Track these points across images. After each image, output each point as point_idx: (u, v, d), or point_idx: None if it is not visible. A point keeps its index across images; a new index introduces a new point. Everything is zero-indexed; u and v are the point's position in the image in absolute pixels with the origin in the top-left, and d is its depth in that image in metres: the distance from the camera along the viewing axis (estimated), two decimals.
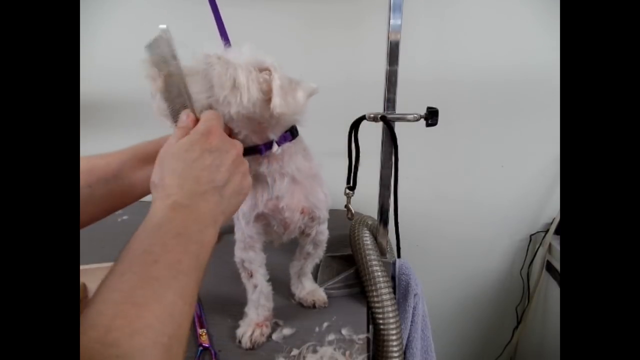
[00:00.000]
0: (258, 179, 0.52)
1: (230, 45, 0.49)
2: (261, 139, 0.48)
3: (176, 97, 0.41)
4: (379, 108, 0.62)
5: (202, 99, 0.43)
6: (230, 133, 0.49)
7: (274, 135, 0.48)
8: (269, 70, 0.44)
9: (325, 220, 0.60)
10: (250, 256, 0.57)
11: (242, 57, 0.44)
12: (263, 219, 0.55)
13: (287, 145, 0.50)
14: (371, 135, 0.66)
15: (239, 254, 0.58)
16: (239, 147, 0.41)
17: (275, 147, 0.48)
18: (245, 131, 0.46)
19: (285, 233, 0.57)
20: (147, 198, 0.55)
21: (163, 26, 0.39)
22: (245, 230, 0.55)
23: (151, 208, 0.34)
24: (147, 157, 0.50)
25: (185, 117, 0.40)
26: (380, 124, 0.62)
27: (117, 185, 0.48)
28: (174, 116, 0.41)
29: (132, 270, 0.28)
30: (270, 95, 0.43)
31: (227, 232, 0.61)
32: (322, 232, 0.62)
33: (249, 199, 0.53)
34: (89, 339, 0.24)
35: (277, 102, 0.42)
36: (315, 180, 0.55)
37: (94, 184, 0.47)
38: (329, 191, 0.57)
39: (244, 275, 0.59)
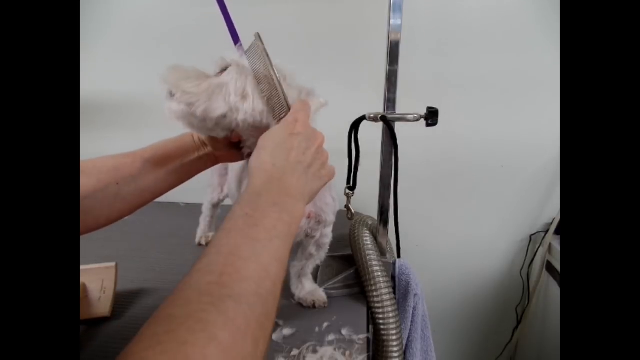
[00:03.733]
0: None
1: (240, 42, 0.50)
2: None
3: (273, 96, 0.44)
4: (379, 108, 0.62)
5: None
6: (240, 139, 0.49)
7: None
8: None
9: (331, 223, 0.60)
10: None
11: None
12: None
13: None
14: (371, 135, 0.66)
15: None
16: (320, 138, 0.45)
17: None
18: (253, 139, 0.47)
19: None
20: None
21: (257, 33, 0.43)
22: None
23: (250, 182, 0.39)
24: (168, 155, 0.52)
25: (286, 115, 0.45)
26: (380, 124, 0.62)
27: (141, 182, 0.50)
28: (273, 113, 0.45)
29: (236, 229, 0.33)
30: None
31: None
32: (327, 235, 0.61)
33: None
34: (207, 281, 0.28)
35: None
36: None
37: (121, 182, 0.48)
38: (337, 195, 0.57)
39: None
